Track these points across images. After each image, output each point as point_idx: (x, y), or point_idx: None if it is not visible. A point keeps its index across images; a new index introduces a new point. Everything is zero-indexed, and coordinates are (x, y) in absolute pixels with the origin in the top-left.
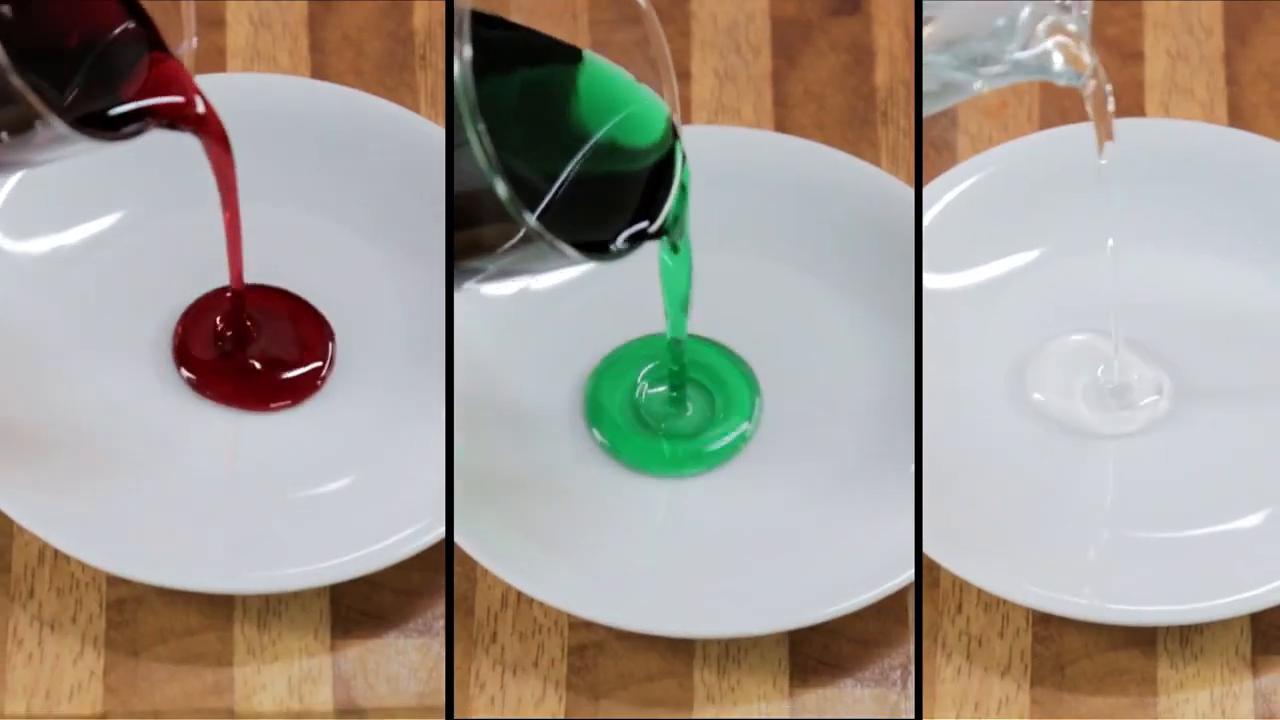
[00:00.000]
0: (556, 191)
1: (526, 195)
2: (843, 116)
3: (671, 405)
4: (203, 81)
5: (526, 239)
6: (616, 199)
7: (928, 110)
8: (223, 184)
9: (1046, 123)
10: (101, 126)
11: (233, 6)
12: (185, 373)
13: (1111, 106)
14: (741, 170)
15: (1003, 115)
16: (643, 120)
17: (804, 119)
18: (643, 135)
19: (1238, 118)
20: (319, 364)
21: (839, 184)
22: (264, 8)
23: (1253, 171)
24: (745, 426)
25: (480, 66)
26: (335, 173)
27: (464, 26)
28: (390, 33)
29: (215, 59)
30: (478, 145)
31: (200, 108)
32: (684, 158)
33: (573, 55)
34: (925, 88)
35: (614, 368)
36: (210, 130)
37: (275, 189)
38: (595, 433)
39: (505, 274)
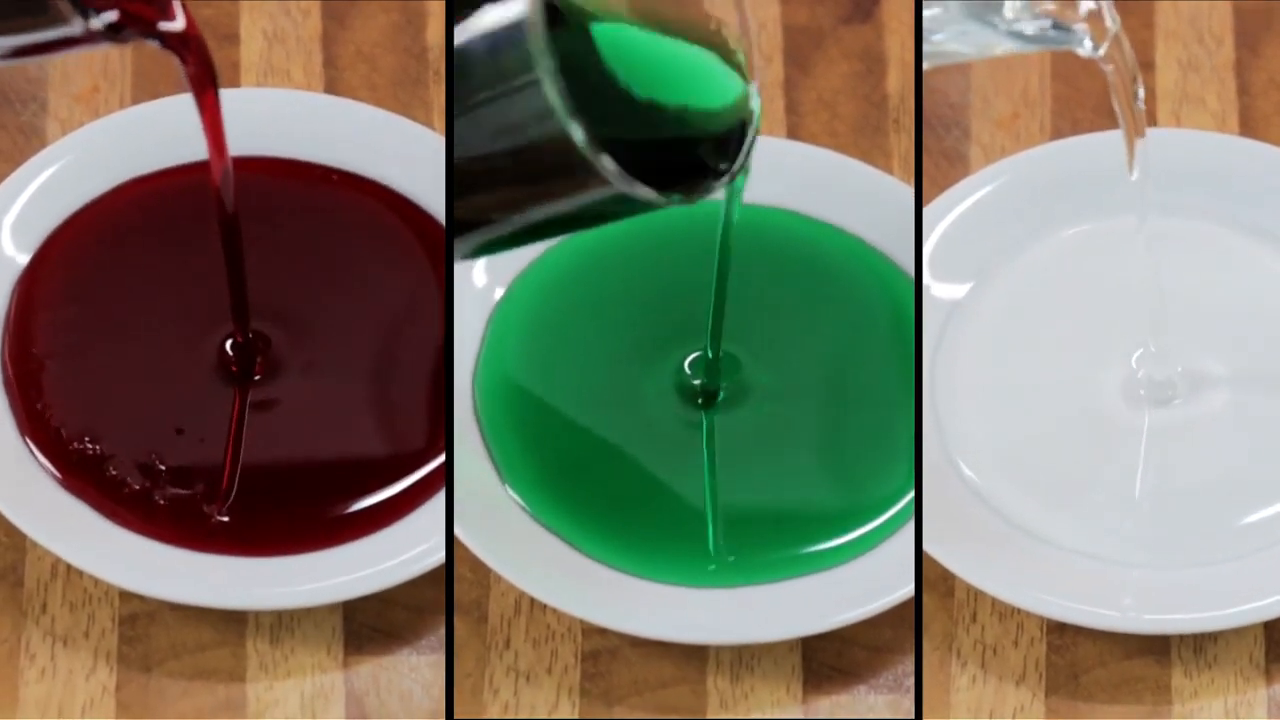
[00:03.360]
0: (629, 138)
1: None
2: (855, 124)
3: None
4: None
5: (586, 186)
6: (687, 141)
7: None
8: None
9: (1058, 133)
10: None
11: (246, 21)
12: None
13: (1142, 94)
14: (752, 177)
15: (1015, 126)
16: (716, 63)
17: (816, 127)
18: (717, 82)
19: (1249, 128)
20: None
21: (851, 192)
22: (278, 23)
23: (1265, 182)
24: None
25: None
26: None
27: None
28: (405, 48)
29: (229, 73)
30: (550, 85)
31: (180, 23)
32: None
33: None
34: (959, 49)
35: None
36: (189, 45)
37: None
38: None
39: (572, 223)
